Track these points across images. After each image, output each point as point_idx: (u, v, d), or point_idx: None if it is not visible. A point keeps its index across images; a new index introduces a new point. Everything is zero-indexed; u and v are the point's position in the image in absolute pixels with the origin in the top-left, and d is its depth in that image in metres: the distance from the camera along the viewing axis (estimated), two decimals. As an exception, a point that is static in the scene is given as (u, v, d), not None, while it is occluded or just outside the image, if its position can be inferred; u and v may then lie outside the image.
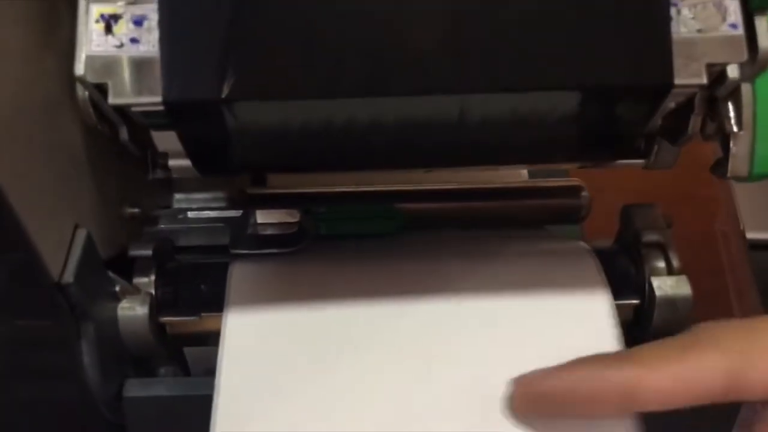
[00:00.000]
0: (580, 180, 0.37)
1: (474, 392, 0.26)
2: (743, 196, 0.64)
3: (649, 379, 0.23)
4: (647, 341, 0.30)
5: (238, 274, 0.29)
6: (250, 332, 0.27)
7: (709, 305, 0.34)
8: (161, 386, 0.27)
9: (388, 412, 0.26)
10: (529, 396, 0.25)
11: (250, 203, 0.35)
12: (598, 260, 0.29)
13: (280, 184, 0.37)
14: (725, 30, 0.23)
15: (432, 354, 0.27)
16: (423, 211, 0.36)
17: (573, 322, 0.28)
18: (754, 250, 0.61)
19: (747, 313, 0.56)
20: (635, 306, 0.29)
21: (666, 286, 0.29)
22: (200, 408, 0.26)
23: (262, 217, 0.33)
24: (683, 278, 0.29)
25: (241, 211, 0.34)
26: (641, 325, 0.29)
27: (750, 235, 0.62)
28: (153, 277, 0.29)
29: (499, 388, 0.25)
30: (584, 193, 0.36)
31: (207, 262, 0.30)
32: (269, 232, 0.33)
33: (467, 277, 0.29)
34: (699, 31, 0.23)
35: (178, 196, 0.35)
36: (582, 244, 0.32)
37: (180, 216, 0.33)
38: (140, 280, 0.28)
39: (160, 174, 0.30)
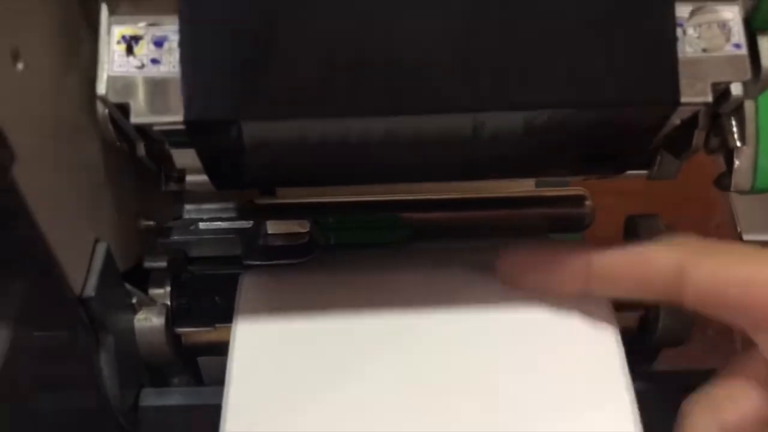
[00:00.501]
0: (584, 189, 0.38)
1: (482, 403, 0.26)
2: (739, 198, 0.64)
3: (603, 254, 0.26)
4: (652, 350, 0.31)
5: (248, 285, 0.30)
6: (259, 342, 0.28)
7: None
8: (177, 395, 0.28)
9: (395, 423, 0.26)
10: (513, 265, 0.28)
11: (260, 214, 0.35)
12: None
13: (289, 194, 0.38)
14: (729, 50, 0.23)
15: (441, 366, 0.27)
16: (430, 220, 0.36)
17: (575, 334, 0.28)
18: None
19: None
20: (640, 316, 0.30)
21: None
22: (215, 417, 0.27)
23: (272, 227, 0.34)
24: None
25: (251, 222, 0.35)
26: (646, 334, 0.30)
27: (746, 237, 0.63)
28: (168, 289, 0.29)
29: (504, 399, 0.26)
30: (588, 202, 0.37)
31: (220, 274, 0.30)
32: (280, 242, 0.34)
33: (473, 287, 0.30)
34: (704, 50, 0.23)
35: (188, 207, 0.35)
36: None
37: (191, 227, 0.33)
38: (156, 292, 0.29)
39: (173, 187, 0.30)
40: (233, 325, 0.28)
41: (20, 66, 0.20)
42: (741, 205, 0.66)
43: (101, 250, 0.25)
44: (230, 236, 0.33)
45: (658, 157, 0.29)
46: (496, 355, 0.27)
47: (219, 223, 0.35)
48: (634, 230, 0.32)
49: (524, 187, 0.40)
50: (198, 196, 0.36)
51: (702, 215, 0.63)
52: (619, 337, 0.28)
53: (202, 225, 0.34)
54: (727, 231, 0.64)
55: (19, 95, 0.20)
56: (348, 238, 0.36)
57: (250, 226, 0.34)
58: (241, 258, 0.31)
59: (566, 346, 0.28)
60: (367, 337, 0.28)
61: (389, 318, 0.29)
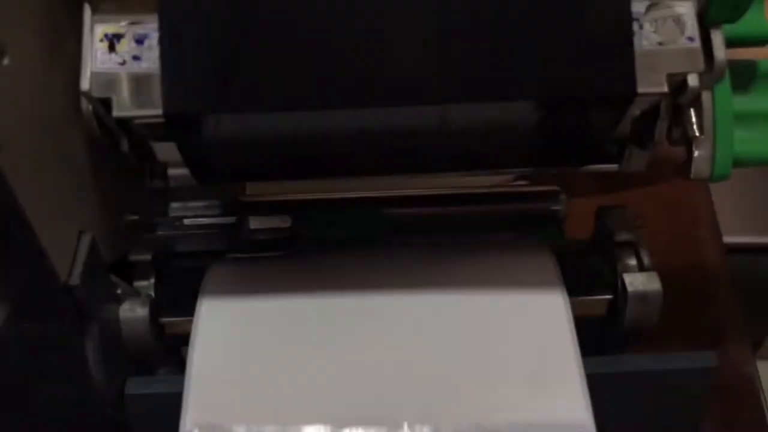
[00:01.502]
0: (557, 186, 0.39)
1: (443, 377, 0.27)
2: (721, 201, 0.66)
3: None
4: (620, 335, 0.32)
5: (214, 272, 0.31)
6: (222, 323, 0.29)
7: (686, 305, 0.36)
8: (161, 384, 0.29)
9: (359, 397, 0.27)
10: None
11: (243, 210, 0.36)
12: (555, 257, 0.31)
13: (271, 191, 0.39)
14: (684, 43, 0.25)
15: (402, 342, 0.28)
16: (407, 215, 0.38)
17: (529, 313, 0.29)
18: (730, 254, 0.63)
19: (721, 314, 0.58)
20: (609, 301, 0.31)
21: (637, 282, 0.30)
22: None
23: (255, 223, 0.35)
24: (653, 275, 0.31)
25: (234, 218, 0.36)
26: (615, 319, 0.31)
27: (727, 239, 0.65)
28: (152, 281, 0.30)
29: (463, 370, 0.27)
30: (561, 197, 0.38)
31: (203, 266, 0.31)
32: (262, 237, 0.35)
33: (440, 274, 0.31)
34: (660, 44, 0.25)
35: (174, 204, 0.36)
36: (541, 242, 0.34)
37: (176, 223, 0.34)
38: (140, 284, 0.30)
39: (157, 183, 0.31)
40: (197, 310, 0.29)
41: (6, 61, 0.21)
42: (724, 208, 0.67)
43: (86, 240, 0.26)
44: (213, 231, 0.34)
45: (627, 151, 0.30)
46: (452, 338, 0.28)
47: (203, 219, 0.35)
48: (603, 220, 0.33)
49: (501, 183, 0.41)
50: (183, 194, 0.37)
51: (688, 218, 0.65)
52: (572, 323, 0.29)
53: (186, 221, 0.35)
54: (712, 233, 0.65)
55: (5, 89, 0.21)
56: (328, 233, 0.37)
57: (233, 221, 0.35)
58: (226, 251, 0.32)
59: (521, 331, 0.29)
60: (332, 317, 0.29)
61: (354, 301, 0.30)
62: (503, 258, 0.32)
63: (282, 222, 0.36)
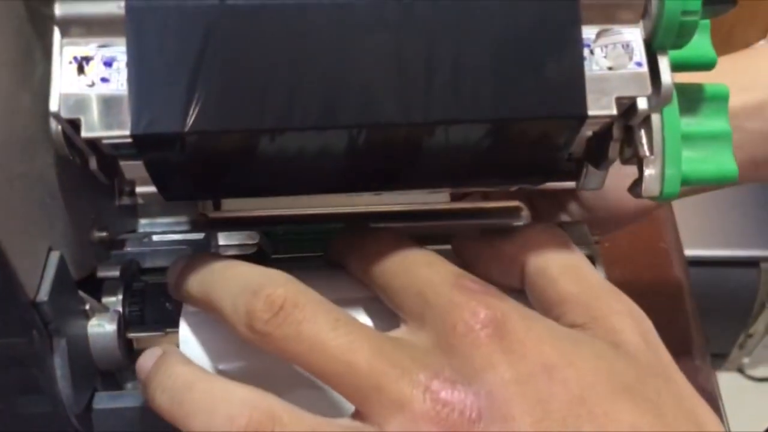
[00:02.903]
0: (520, 202, 0.40)
1: None
2: (682, 215, 0.68)
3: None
4: None
5: None
6: (202, 340, 0.30)
7: (649, 317, 0.37)
8: (129, 398, 0.29)
9: None
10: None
11: (212, 227, 0.37)
12: None
13: (239, 207, 0.39)
14: (632, 67, 0.26)
15: None
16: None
17: None
18: (691, 266, 0.65)
19: (683, 326, 0.59)
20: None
21: None
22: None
23: (223, 239, 0.36)
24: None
25: (203, 234, 0.36)
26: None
27: (688, 252, 0.67)
28: (120, 297, 0.31)
29: None
30: (524, 213, 0.39)
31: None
32: (231, 253, 0.35)
33: None
34: (609, 68, 0.26)
35: (143, 221, 0.37)
36: None
37: (145, 239, 0.35)
38: (109, 299, 0.31)
39: (126, 200, 0.32)
40: (180, 327, 0.30)
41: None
42: (685, 222, 0.69)
43: (55, 257, 0.26)
44: (182, 247, 0.35)
45: (584, 169, 0.32)
46: None
47: (171, 235, 0.36)
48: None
49: (466, 200, 0.42)
50: (152, 210, 0.37)
51: (651, 232, 0.67)
52: None
53: (155, 237, 0.36)
54: (674, 247, 0.67)
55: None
56: (296, 249, 0.37)
57: (201, 238, 0.36)
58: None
59: None
60: None
61: None
62: None
63: (250, 238, 0.36)
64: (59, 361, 0.27)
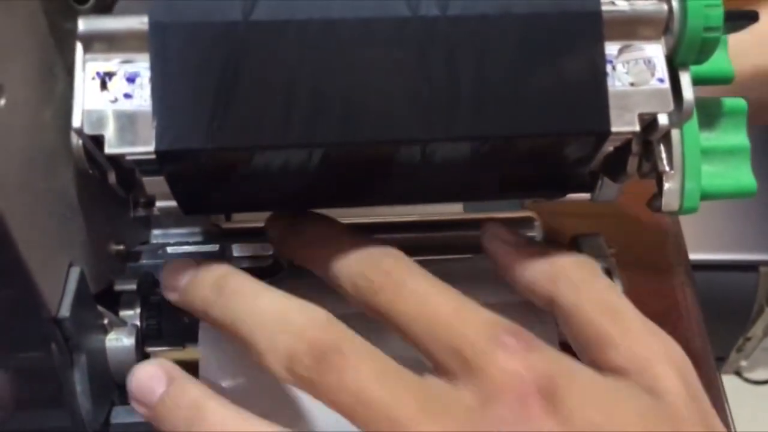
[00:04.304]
0: (534, 212, 0.40)
1: None
2: (681, 219, 0.68)
3: None
4: None
5: None
6: (222, 355, 0.30)
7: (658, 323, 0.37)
8: (147, 412, 0.29)
9: None
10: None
11: (225, 237, 0.37)
12: None
13: (252, 218, 0.39)
14: (654, 84, 0.26)
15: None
16: (386, 241, 0.38)
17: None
18: (695, 270, 0.65)
19: (690, 329, 0.59)
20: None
21: None
22: None
23: (238, 251, 0.36)
24: (626, 301, 0.32)
25: (217, 246, 0.36)
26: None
27: (692, 256, 0.67)
28: (138, 310, 0.30)
29: None
30: (537, 223, 0.39)
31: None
32: (246, 265, 0.35)
33: None
34: (631, 84, 0.26)
35: (155, 232, 0.37)
36: None
37: (159, 251, 0.35)
38: (126, 313, 0.30)
39: (141, 213, 0.32)
40: (199, 342, 0.30)
41: (2, 101, 0.22)
42: (688, 226, 0.69)
43: (75, 273, 0.26)
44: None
45: (600, 182, 0.32)
46: None
47: (186, 247, 0.36)
48: (578, 248, 0.34)
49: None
50: (165, 221, 0.37)
51: (655, 236, 0.67)
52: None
53: (169, 249, 0.36)
54: (677, 250, 0.67)
55: (1, 129, 0.22)
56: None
57: (216, 249, 0.36)
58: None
59: None
60: None
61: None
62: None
63: (263, 250, 0.36)
64: (79, 375, 0.27)
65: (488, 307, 0.29)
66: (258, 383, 0.29)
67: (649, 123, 0.27)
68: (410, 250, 0.38)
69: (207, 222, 0.38)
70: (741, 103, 0.30)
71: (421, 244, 0.39)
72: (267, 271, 0.35)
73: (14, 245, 0.22)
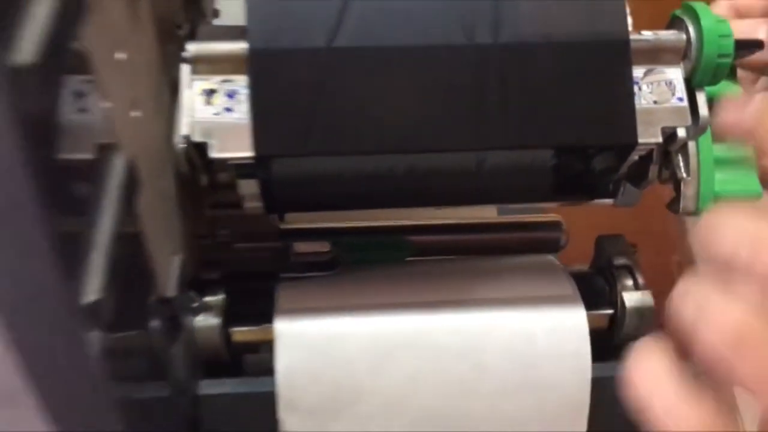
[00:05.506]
0: (559, 216, 0.44)
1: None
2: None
3: None
4: (620, 345, 0.37)
5: (283, 292, 0.36)
6: (297, 333, 0.34)
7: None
8: (230, 385, 0.33)
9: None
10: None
11: (284, 237, 0.41)
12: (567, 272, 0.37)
13: (306, 219, 0.44)
14: (674, 102, 0.30)
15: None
16: (427, 242, 0.43)
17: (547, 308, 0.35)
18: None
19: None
20: (610, 315, 0.37)
21: (634, 299, 0.36)
22: (263, 402, 0.33)
23: (299, 248, 0.40)
24: (647, 293, 0.36)
25: (279, 243, 0.40)
26: (615, 331, 0.36)
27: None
28: (222, 296, 0.35)
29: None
30: (563, 227, 0.44)
31: (262, 284, 0.36)
32: (307, 260, 0.39)
33: (466, 284, 0.37)
34: (655, 102, 0.30)
35: (222, 231, 0.41)
36: (551, 258, 0.39)
37: (231, 247, 0.39)
38: (211, 299, 0.35)
39: (212, 212, 0.36)
40: (274, 323, 0.34)
41: (136, 113, 0.26)
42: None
43: (178, 260, 0.31)
44: (265, 254, 0.39)
45: (622, 188, 0.36)
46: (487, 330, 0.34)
47: (252, 243, 0.40)
48: (602, 248, 0.39)
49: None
50: (230, 220, 0.41)
51: (663, 246, 0.70)
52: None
53: (237, 245, 0.40)
54: (684, 258, 0.71)
55: (136, 136, 0.26)
56: (359, 257, 0.42)
57: (280, 245, 0.40)
58: (279, 271, 0.37)
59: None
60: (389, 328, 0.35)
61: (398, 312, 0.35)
62: (527, 275, 0.37)
63: (322, 247, 0.41)
64: (177, 350, 0.31)
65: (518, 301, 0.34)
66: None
67: (669, 135, 0.31)
68: (447, 251, 0.43)
69: (267, 221, 0.42)
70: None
71: (459, 245, 0.43)
72: (325, 266, 0.39)
73: (144, 239, 0.27)
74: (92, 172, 0.23)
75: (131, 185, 0.24)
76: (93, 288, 0.21)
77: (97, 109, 0.22)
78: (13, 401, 0.20)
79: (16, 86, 0.16)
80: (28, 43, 0.17)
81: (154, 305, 0.29)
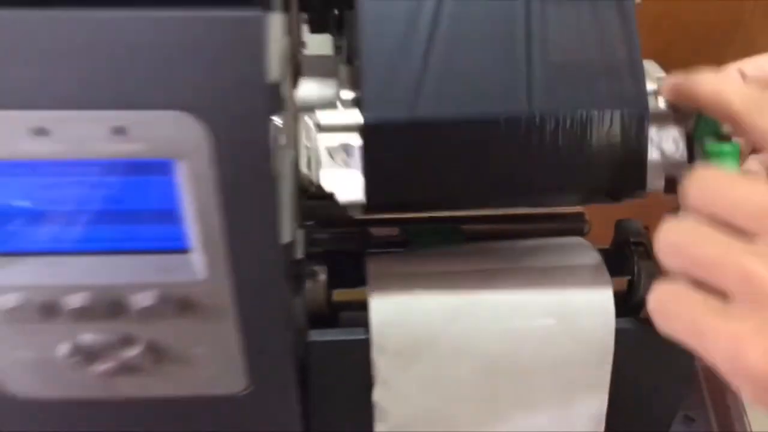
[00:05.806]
0: (582, 208, 0.54)
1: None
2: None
3: None
4: (638, 305, 0.45)
5: (373, 263, 0.46)
6: (386, 287, 0.43)
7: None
8: (333, 334, 0.43)
9: None
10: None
11: (359, 224, 0.52)
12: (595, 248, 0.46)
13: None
14: (678, 155, 0.40)
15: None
16: (478, 230, 0.52)
17: (580, 274, 0.45)
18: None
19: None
20: (628, 280, 0.46)
21: (648, 266, 0.45)
22: (358, 348, 0.43)
23: (376, 232, 0.51)
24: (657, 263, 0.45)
25: (358, 228, 0.51)
26: (632, 293, 0.46)
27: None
28: (324, 265, 0.44)
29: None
30: (585, 217, 0.54)
31: (353, 257, 0.47)
32: (384, 241, 0.50)
33: (513, 257, 0.46)
34: (662, 155, 0.40)
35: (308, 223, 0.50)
36: (580, 238, 0.48)
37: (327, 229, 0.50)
38: (316, 267, 0.44)
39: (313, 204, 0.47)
40: (368, 286, 0.44)
41: (284, 141, 0.35)
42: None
43: (301, 233, 0.41)
44: (350, 235, 0.50)
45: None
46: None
47: (334, 230, 0.51)
48: (622, 229, 0.49)
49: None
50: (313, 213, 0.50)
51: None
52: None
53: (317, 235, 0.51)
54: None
55: (285, 164, 0.36)
56: (423, 242, 0.52)
57: (357, 230, 0.51)
58: (364, 249, 0.48)
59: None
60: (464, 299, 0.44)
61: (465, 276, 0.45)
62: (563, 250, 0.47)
63: (392, 231, 0.52)
64: (299, 302, 0.42)
65: (557, 269, 0.44)
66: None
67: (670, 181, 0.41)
68: (491, 237, 0.53)
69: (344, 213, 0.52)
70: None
71: (501, 232, 0.53)
72: (399, 244, 0.50)
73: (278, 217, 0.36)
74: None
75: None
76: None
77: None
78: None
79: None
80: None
81: (292, 264, 0.39)
